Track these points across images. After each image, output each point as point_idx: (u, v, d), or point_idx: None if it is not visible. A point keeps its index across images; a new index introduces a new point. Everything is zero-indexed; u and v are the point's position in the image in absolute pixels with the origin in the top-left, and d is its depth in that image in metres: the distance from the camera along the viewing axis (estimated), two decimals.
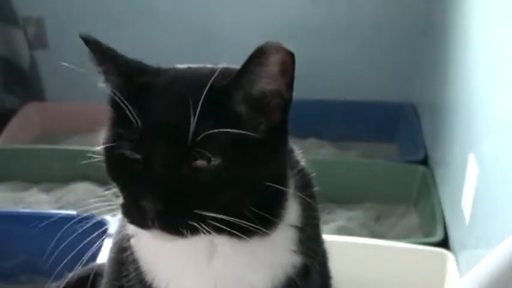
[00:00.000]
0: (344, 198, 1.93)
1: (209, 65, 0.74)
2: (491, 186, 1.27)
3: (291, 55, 0.67)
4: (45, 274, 1.64)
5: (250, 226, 0.68)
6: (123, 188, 0.70)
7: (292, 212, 0.75)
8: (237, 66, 0.71)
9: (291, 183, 0.74)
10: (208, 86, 0.66)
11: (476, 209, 1.36)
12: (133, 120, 0.67)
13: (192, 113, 0.65)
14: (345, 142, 2.32)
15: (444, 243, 1.58)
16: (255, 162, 0.68)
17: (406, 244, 1.54)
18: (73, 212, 1.61)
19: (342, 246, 1.45)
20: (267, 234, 0.71)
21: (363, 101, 2.38)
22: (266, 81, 0.67)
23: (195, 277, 0.76)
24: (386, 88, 2.38)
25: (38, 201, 1.91)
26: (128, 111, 0.67)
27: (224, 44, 2.33)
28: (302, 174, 0.77)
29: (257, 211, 0.68)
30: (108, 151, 0.70)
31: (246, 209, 0.68)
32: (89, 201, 1.98)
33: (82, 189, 1.91)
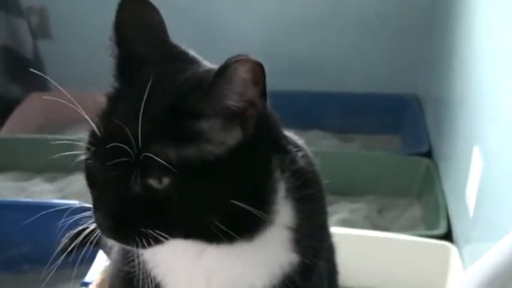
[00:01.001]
0: (347, 191, 1.92)
1: (210, 65, 0.72)
2: (496, 179, 1.27)
3: (259, 65, 0.63)
4: (47, 264, 1.65)
5: (217, 239, 0.67)
6: (92, 196, 0.70)
7: (285, 213, 0.72)
8: None
9: (280, 186, 0.71)
10: (170, 100, 0.65)
11: (480, 202, 1.35)
12: (95, 129, 0.67)
13: (140, 123, 0.63)
14: (348, 134, 2.31)
15: (447, 236, 1.58)
16: (216, 181, 0.65)
17: (410, 236, 1.54)
18: (76, 202, 1.61)
19: (345, 239, 1.44)
20: (250, 240, 0.70)
21: (367, 93, 2.37)
22: (236, 96, 0.64)
23: (187, 272, 0.75)
24: (390, 80, 2.37)
25: (41, 191, 1.92)
26: (88, 118, 0.67)
27: (225, 36, 2.33)
28: (297, 175, 0.73)
29: (224, 226, 0.66)
30: (84, 159, 0.70)
31: (208, 225, 0.66)
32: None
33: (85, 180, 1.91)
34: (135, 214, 0.65)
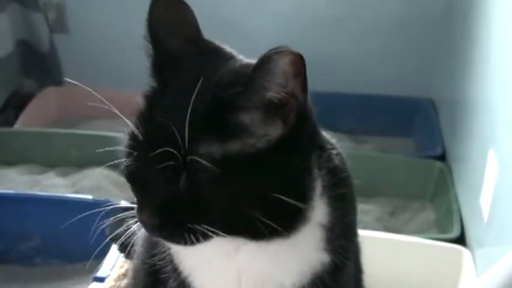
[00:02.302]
0: (359, 192, 1.90)
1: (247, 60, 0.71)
2: None
3: (300, 57, 0.63)
4: (59, 257, 1.66)
5: (260, 234, 0.67)
6: (134, 196, 0.70)
7: (320, 211, 0.72)
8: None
9: (317, 184, 0.71)
10: (211, 96, 0.64)
11: (495, 206, 1.34)
12: (134, 131, 0.66)
13: (187, 123, 0.63)
14: (362, 136, 2.30)
15: (460, 240, 1.57)
16: (259, 175, 0.65)
17: (422, 239, 1.53)
18: (89, 197, 1.62)
19: None
20: (287, 236, 0.69)
21: (381, 95, 2.36)
22: (277, 88, 0.64)
23: (218, 268, 0.75)
24: (405, 83, 2.36)
25: (54, 185, 1.92)
26: (128, 121, 0.67)
27: (239, 36, 2.32)
28: (333, 173, 0.74)
29: (267, 219, 0.66)
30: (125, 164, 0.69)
31: (252, 219, 0.66)
32: (105, 186, 1.99)
33: (98, 174, 1.92)
34: (182, 211, 0.66)
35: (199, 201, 0.65)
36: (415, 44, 2.35)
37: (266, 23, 2.37)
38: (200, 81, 0.65)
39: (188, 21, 0.73)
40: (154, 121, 0.66)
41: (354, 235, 0.82)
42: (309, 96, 0.69)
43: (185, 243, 0.67)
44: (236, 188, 0.65)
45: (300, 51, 0.63)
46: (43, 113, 2.31)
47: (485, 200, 1.40)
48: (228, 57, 0.72)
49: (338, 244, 0.74)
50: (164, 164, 0.64)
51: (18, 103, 2.32)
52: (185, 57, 0.71)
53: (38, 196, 1.72)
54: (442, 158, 1.97)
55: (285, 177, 0.67)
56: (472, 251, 1.48)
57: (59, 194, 1.77)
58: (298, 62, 0.64)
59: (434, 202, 1.89)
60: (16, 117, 2.19)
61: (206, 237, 0.66)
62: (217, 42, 0.75)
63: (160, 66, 0.71)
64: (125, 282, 1.13)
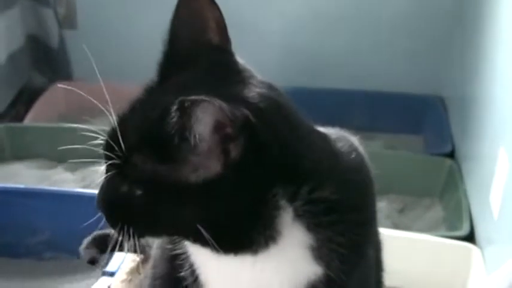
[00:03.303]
0: None
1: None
2: None
3: (223, 109, 0.60)
4: (68, 252, 1.66)
5: (214, 248, 0.67)
6: None
7: (298, 234, 0.69)
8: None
9: (282, 213, 0.67)
10: (155, 117, 0.64)
11: (505, 204, 1.34)
12: (110, 119, 0.69)
13: (132, 130, 0.66)
14: (371, 133, 2.29)
15: (470, 238, 1.56)
16: (185, 204, 0.65)
17: (432, 237, 1.52)
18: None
19: None
20: (254, 253, 0.69)
21: (391, 92, 2.35)
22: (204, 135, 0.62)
23: (221, 267, 0.75)
24: (414, 80, 2.36)
25: (63, 180, 1.93)
26: (108, 109, 0.69)
27: (246, 31, 2.31)
28: (319, 202, 0.68)
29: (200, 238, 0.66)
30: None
31: (188, 234, 0.69)
32: None
33: None
34: (119, 208, 0.69)
35: (131, 204, 0.67)
36: (425, 41, 2.34)
37: (271, 21, 2.36)
38: (171, 94, 0.64)
39: (211, 26, 0.72)
40: (122, 116, 0.68)
41: (357, 253, 0.75)
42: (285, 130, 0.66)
43: (122, 236, 0.69)
44: (161, 207, 0.66)
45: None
46: (52, 108, 2.31)
47: (495, 198, 1.39)
48: (231, 79, 0.69)
49: (331, 260, 0.71)
50: (109, 155, 0.67)
51: (27, 98, 2.33)
52: (192, 64, 0.70)
53: (47, 191, 1.73)
54: (451, 155, 1.96)
55: (217, 211, 0.65)
56: (481, 248, 1.47)
57: (68, 189, 1.78)
58: (221, 115, 0.60)
59: (444, 199, 1.88)
60: (26, 112, 2.20)
61: (136, 236, 0.69)
62: (238, 59, 0.73)
63: (165, 65, 0.71)
64: (137, 276, 1.13)
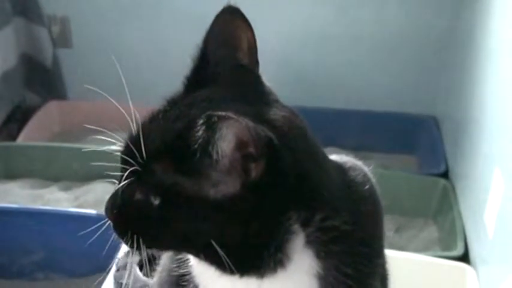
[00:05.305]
0: None
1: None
2: None
3: (247, 128, 0.59)
4: (61, 272, 1.65)
5: (220, 268, 0.67)
6: None
7: (307, 261, 0.69)
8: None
9: (295, 237, 0.67)
10: (179, 129, 0.64)
11: (500, 224, 1.33)
12: (131, 125, 0.68)
13: (154, 140, 0.65)
14: (365, 152, 2.29)
15: (464, 258, 1.56)
16: (201, 220, 0.65)
17: (427, 257, 1.52)
18: (92, 211, 1.61)
19: None
20: (260, 277, 0.68)
21: (384, 112, 2.36)
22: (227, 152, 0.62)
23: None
24: (408, 100, 2.37)
25: (57, 199, 1.92)
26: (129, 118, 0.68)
27: None
28: (328, 231, 0.68)
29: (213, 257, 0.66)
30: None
31: (198, 253, 0.68)
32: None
33: (101, 189, 1.91)
34: (131, 216, 0.68)
35: (145, 214, 0.66)
36: (419, 61, 2.35)
37: (268, 39, 2.36)
38: (193, 109, 0.65)
39: (243, 48, 0.73)
40: (144, 125, 0.67)
41: (363, 285, 0.74)
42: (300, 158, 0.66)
43: (129, 246, 0.68)
44: (176, 221, 0.65)
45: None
46: (46, 127, 2.31)
47: (489, 218, 1.39)
48: (257, 100, 0.70)
49: (338, 283, 0.71)
50: (127, 162, 0.65)
51: (21, 117, 2.33)
52: (216, 82, 0.71)
53: (40, 210, 1.72)
54: (445, 175, 1.96)
55: (232, 230, 0.65)
56: (476, 268, 1.47)
57: (61, 209, 1.77)
58: (245, 134, 0.60)
59: (438, 219, 1.88)
60: (19, 131, 2.19)
61: (148, 247, 0.69)
62: (264, 81, 0.74)
63: (192, 80, 0.71)
64: None
